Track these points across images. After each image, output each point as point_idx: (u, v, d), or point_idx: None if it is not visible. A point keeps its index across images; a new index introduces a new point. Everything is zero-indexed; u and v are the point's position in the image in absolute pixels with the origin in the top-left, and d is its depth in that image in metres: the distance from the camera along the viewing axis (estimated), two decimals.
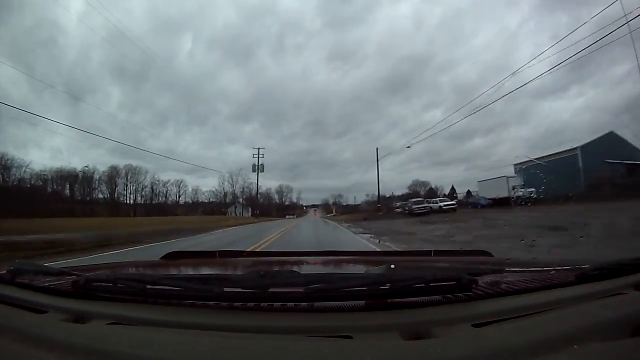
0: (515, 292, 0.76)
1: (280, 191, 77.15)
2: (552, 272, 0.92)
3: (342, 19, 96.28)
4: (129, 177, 56.24)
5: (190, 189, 63.57)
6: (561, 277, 0.84)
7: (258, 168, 49.34)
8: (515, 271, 0.97)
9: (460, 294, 0.72)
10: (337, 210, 72.57)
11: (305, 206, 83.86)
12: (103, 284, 0.84)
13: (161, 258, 1.57)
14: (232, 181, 64.73)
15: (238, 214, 60.13)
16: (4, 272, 0.96)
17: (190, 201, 63.48)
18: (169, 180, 61.21)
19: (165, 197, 61.10)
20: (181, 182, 62.10)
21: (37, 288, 0.90)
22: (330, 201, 79.99)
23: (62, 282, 0.92)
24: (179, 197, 62.29)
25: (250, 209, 62.50)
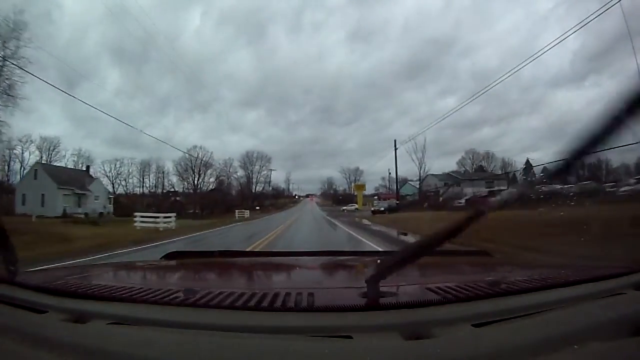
0: (515, 292, 0.76)
1: (247, 165, 39.71)
2: (552, 272, 0.92)
3: None
4: None
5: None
6: (561, 277, 0.85)
7: None
8: (515, 271, 0.97)
9: (460, 294, 0.73)
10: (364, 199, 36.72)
11: (299, 196, 66.73)
12: (103, 283, 0.84)
13: (161, 258, 1.57)
14: None
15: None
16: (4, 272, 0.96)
17: None
18: None
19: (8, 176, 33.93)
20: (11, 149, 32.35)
21: (37, 288, 0.90)
22: (339, 187, 49.52)
23: (62, 281, 0.92)
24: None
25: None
